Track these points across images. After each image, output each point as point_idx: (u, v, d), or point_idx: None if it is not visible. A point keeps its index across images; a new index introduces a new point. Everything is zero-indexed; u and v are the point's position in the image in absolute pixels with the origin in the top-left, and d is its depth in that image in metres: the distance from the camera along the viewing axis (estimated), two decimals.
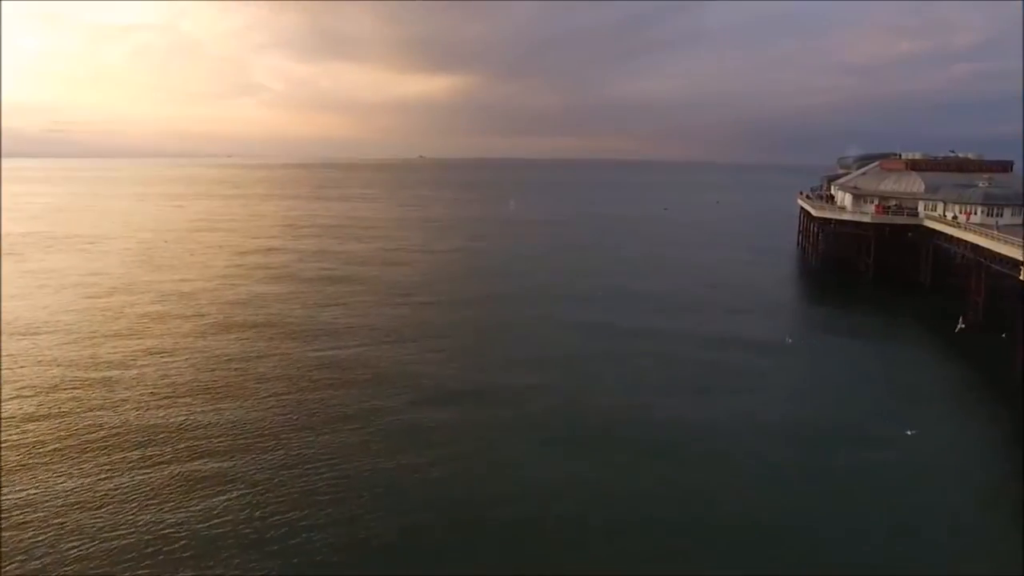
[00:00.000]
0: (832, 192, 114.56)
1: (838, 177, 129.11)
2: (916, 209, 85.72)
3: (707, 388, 46.28)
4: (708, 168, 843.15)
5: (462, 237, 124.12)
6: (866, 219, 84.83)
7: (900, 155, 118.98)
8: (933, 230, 77.77)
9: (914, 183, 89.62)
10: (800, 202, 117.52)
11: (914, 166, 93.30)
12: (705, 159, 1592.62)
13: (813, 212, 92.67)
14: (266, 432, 38.31)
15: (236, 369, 49.12)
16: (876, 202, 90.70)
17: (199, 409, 41.56)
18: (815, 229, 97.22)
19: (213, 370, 48.86)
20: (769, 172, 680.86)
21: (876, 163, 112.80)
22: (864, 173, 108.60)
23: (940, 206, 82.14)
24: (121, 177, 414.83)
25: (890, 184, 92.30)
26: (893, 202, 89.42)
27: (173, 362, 50.43)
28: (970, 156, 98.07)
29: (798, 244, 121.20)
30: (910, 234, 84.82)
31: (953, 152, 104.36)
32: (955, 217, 75.25)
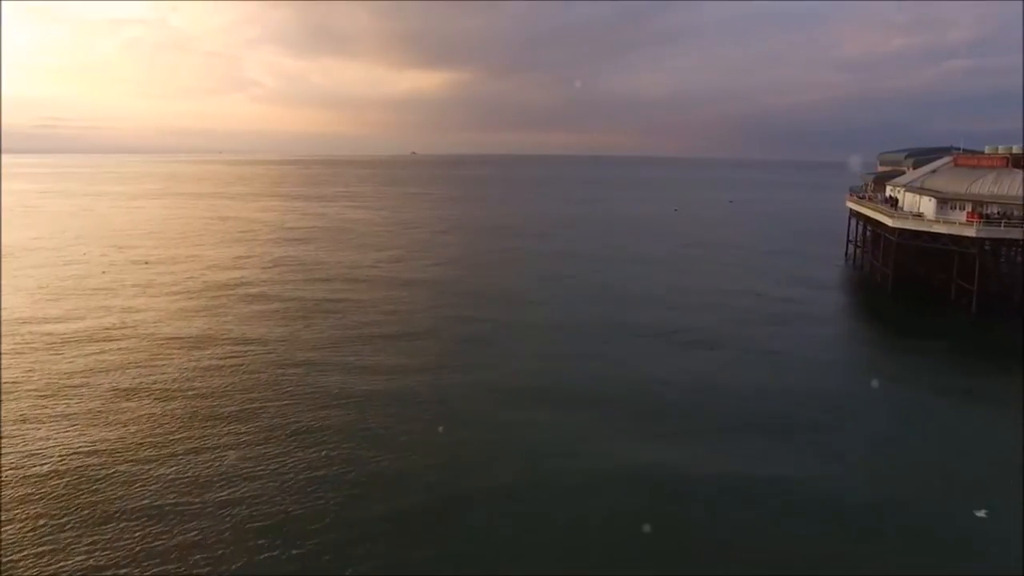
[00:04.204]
0: (891, 194, 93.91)
1: (888, 176, 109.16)
2: None
3: None
4: (708, 163, 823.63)
5: (427, 255, 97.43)
6: (969, 232, 64.54)
7: (959, 149, 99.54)
8: None
9: (1021, 184, 69.26)
10: (854, 205, 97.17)
11: (1018, 162, 72.87)
12: (704, 155, 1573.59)
13: (889, 222, 72.14)
14: None
15: None
16: (968, 208, 70.43)
17: None
18: (886, 242, 76.73)
19: None
20: (773, 168, 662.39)
21: (947, 159, 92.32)
22: (935, 171, 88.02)
23: None
24: (94, 174, 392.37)
25: (987, 185, 71.79)
26: (994, 208, 69.20)
27: None
28: None
29: (846, 256, 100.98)
30: None
31: None
32: None
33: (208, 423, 37.44)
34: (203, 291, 70.89)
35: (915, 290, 72.43)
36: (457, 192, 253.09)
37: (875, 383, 44.70)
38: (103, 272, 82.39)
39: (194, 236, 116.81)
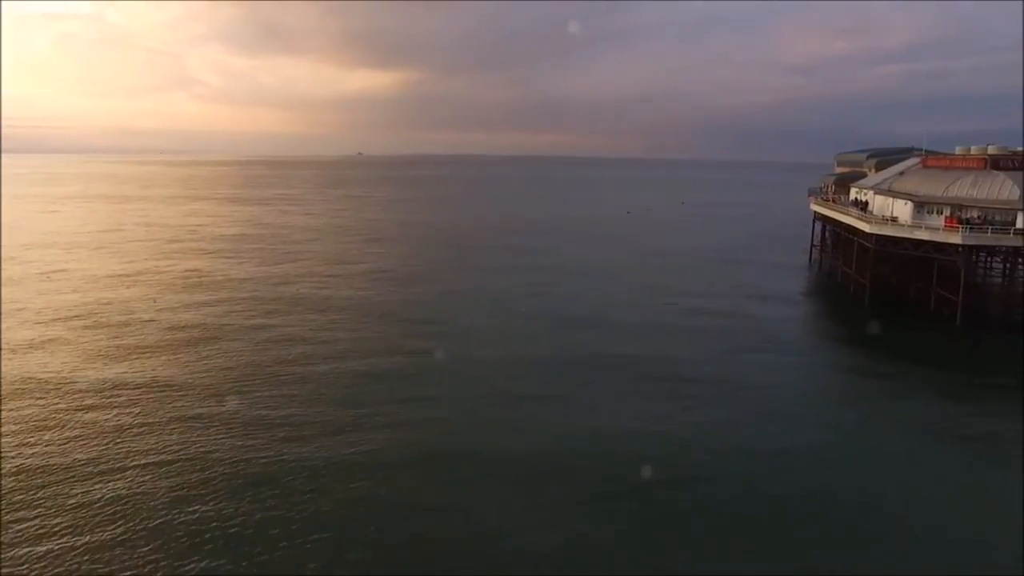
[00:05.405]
0: (858, 197, 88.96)
1: (849, 177, 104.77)
2: (1013, 222, 60.83)
3: None
4: (661, 164, 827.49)
5: (356, 268, 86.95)
6: (955, 239, 59.26)
7: (922, 150, 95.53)
8: None
9: (1003, 187, 64.40)
10: (820, 209, 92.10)
11: (997, 163, 68.10)
12: (654, 155, 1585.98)
13: (866, 228, 66.63)
14: None
15: None
16: (947, 213, 65.31)
17: None
18: (861, 249, 71.37)
19: None
20: (723, 168, 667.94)
21: (914, 160, 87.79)
22: (903, 173, 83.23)
23: None
24: (18, 175, 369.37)
25: (966, 188, 66.83)
26: (975, 213, 64.17)
27: None
28: None
29: (811, 262, 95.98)
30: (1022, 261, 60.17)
31: None
32: None
33: (21, 506, 28.76)
34: (90, 315, 60.74)
35: (892, 300, 67.06)
36: (400, 194, 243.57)
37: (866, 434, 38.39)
38: None
39: (109, 245, 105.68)
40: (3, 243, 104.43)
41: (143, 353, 49.41)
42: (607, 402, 41.26)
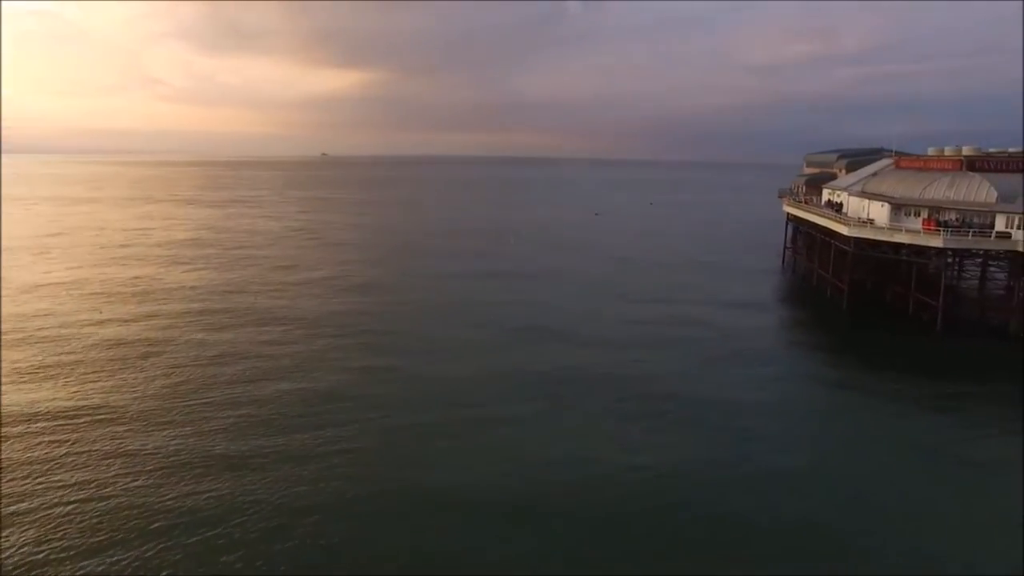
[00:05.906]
0: (832, 199, 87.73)
1: (819, 178, 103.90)
2: (991, 224, 59.77)
3: None
4: (624, 164, 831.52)
5: (310, 275, 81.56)
6: (936, 243, 57.88)
7: (892, 151, 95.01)
8: None
9: (980, 188, 63.35)
10: (793, 210, 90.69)
11: (973, 165, 67.06)
12: (620, 156, 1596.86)
13: (844, 231, 65.03)
14: None
15: None
16: (925, 215, 64.01)
17: None
18: (838, 252, 69.87)
19: None
20: (687, 169, 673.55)
21: (886, 162, 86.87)
22: (876, 175, 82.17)
23: None
24: None
25: (942, 190, 65.70)
26: (953, 215, 62.97)
27: None
28: None
29: (783, 264, 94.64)
30: (995, 264, 59.04)
31: None
32: None
33: None
34: (24, 329, 56.16)
35: (870, 305, 65.60)
36: (364, 196, 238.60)
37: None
38: None
39: (53, 249, 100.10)
40: None
41: (82, 372, 45.36)
42: (579, 424, 38.41)
